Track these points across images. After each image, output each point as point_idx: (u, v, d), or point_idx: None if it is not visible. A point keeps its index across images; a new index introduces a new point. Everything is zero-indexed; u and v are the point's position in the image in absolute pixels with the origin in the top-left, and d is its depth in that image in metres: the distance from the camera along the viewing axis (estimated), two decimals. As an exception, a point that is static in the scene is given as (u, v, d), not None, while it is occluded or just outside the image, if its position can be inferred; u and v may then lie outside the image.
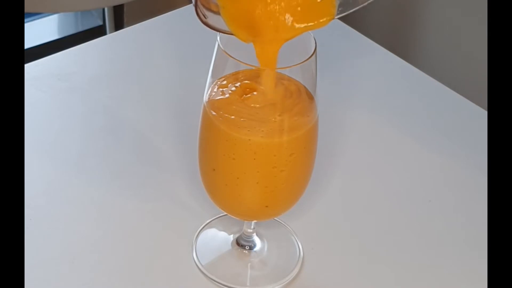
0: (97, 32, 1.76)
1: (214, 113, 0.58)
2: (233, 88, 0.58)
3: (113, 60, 0.88)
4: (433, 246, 0.70)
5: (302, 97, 0.58)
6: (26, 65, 0.84)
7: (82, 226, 0.69)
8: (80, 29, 1.80)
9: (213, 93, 0.59)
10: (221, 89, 0.58)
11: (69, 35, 1.77)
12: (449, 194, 0.76)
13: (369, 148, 0.80)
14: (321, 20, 0.55)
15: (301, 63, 0.56)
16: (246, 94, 0.58)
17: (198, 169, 0.63)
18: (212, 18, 0.54)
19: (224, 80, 0.59)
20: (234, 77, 0.58)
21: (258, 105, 0.57)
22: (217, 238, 0.69)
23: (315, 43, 0.57)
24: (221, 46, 0.57)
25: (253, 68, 0.56)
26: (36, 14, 1.76)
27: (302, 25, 0.55)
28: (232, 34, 0.55)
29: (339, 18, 0.57)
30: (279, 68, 0.57)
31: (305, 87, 0.58)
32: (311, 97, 0.59)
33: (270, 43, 0.55)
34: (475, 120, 0.84)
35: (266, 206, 0.62)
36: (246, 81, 0.58)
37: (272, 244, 0.69)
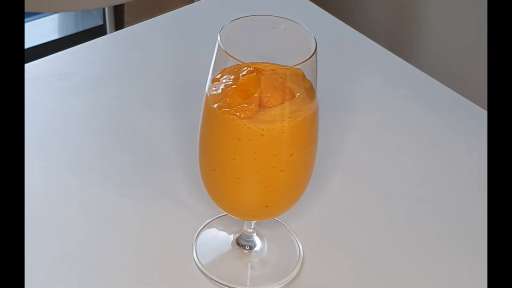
0: (97, 32, 1.76)
1: (214, 113, 0.58)
2: (234, 87, 0.58)
3: (113, 60, 0.88)
4: (433, 246, 0.70)
5: (303, 97, 0.58)
6: (26, 65, 0.84)
7: (82, 226, 0.69)
8: (80, 29, 1.80)
9: (213, 93, 0.59)
10: (221, 88, 0.58)
11: (69, 35, 1.77)
12: (449, 194, 0.76)
13: (369, 148, 0.80)
14: None
15: (301, 63, 0.56)
16: (246, 94, 0.57)
17: (198, 169, 0.63)
18: None
19: (224, 80, 0.59)
20: (235, 76, 0.58)
21: (258, 105, 0.57)
22: (217, 238, 0.69)
23: (316, 43, 0.57)
24: (221, 45, 0.57)
25: (253, 67, 0.56)
26: (36, 14, 1.76)
27: None
28: None
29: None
30: (278, 68, 0.57)
31: (306, 85, 0.58)
32: (311, 97, 0.59)
33: None
34: (475, 120, 0.84)
35: (266, 206, 0.62)
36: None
37: (272, 244, 0.69)
